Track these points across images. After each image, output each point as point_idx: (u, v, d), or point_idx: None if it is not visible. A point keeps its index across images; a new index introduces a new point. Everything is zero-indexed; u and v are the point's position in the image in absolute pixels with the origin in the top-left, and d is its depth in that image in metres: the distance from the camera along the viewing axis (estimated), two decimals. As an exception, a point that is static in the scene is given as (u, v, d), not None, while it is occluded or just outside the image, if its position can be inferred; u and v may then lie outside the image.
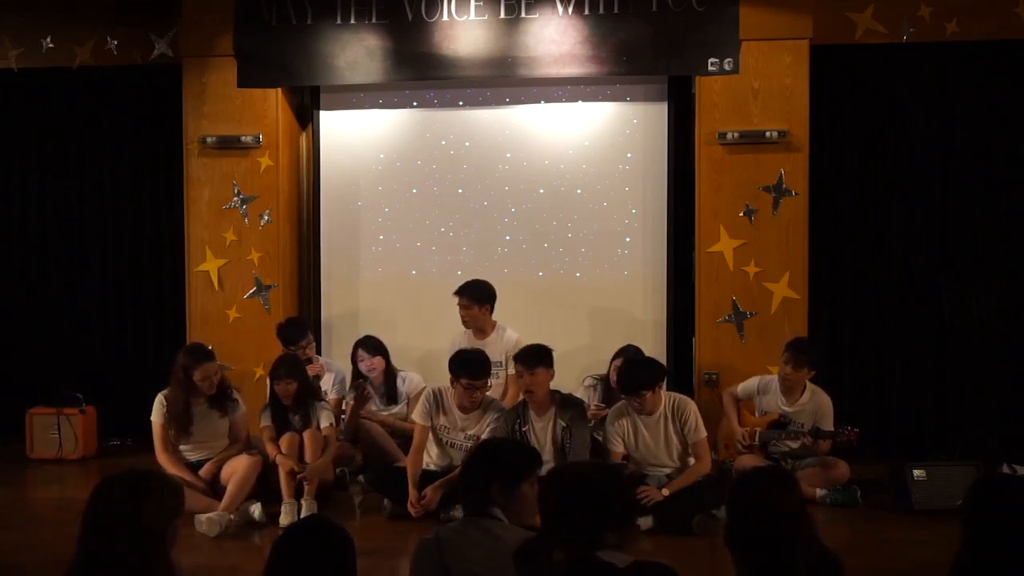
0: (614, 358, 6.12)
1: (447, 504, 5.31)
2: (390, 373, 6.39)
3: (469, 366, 5.37)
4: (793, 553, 2.34)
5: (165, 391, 5.67)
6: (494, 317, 6.45)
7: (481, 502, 2.97)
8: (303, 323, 6.63)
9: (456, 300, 6.37)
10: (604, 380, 6.23)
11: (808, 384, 5.88)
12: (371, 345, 6.38)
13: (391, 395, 6.38)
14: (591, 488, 2.58)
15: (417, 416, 5.57)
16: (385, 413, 6.34)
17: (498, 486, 2.95)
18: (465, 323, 6.41)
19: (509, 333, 6.40)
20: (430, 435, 5.55)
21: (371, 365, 6.33)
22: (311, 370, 6.24)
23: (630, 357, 6.02)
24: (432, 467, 5.55)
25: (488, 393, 5.62)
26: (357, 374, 6.39)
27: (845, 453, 5.86)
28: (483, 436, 5.38)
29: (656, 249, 7.00)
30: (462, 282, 6.51)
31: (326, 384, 6.36)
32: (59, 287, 7.55)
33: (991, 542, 2.42)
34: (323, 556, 2.40)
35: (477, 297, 6.34)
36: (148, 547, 2.46)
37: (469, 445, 5.42)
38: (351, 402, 6.26)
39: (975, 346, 6.58)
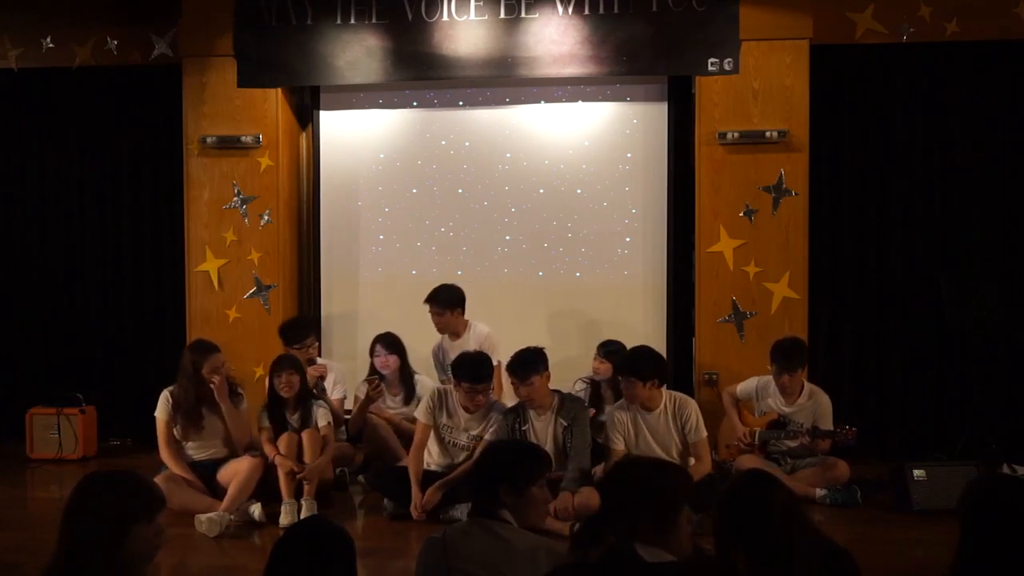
0: (598, 352, 6.17)
1: (446, 504, 5.33)
2: (406, 372, 6.33)
3: (470, 370, 5.37)
4: (797, 548, 2.34)
5: (171, 388, 5.67)
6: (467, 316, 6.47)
7: (489, 504, 2.97)
8: (306, 323, 6.62)
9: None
10: (592, 382, 6.23)
11: (807, 384, 5.88)
12: (388, 342, 6.32)
13: (409, 394, 6.31)
14: (661, 487, 2.67)
15: (420, 414, 5.57)
16: (392, 411, 6.29)
17: (507, 488, 2.96)
18: (439, 329, 6.43)
19: (479, 327, 6.41)
20: (432, 434, 5.55)
21: (386, 362, 6.28)
22: (315, 371, 6.22)
23: (615, 349, 6.11)
24: (433, 467, 5.55)
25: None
26: (373, 369, 6.35)
27: (844, 453, 5.86)
28: (486, 436, 5.40)
29: (656, 249, 7.01)
30: (462, 282, 6.51)
31: (329, 385, 6.33)
32: (59, 287, 7.55)
33: (988, 542, 2.42)
34: (323, 556, 2.40)
35: (447, 302, 6.35)
36: (104, 546, 2.44)
37: (472, 444, 5.45)
38: (360, 396, 6.21)
39: (975, 345, 6.59)
